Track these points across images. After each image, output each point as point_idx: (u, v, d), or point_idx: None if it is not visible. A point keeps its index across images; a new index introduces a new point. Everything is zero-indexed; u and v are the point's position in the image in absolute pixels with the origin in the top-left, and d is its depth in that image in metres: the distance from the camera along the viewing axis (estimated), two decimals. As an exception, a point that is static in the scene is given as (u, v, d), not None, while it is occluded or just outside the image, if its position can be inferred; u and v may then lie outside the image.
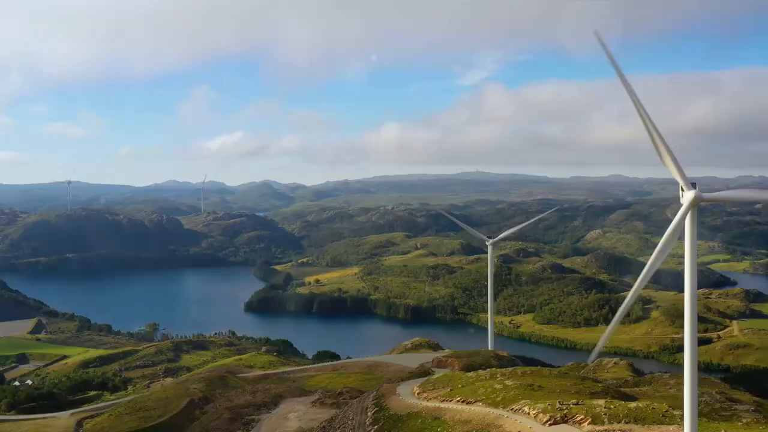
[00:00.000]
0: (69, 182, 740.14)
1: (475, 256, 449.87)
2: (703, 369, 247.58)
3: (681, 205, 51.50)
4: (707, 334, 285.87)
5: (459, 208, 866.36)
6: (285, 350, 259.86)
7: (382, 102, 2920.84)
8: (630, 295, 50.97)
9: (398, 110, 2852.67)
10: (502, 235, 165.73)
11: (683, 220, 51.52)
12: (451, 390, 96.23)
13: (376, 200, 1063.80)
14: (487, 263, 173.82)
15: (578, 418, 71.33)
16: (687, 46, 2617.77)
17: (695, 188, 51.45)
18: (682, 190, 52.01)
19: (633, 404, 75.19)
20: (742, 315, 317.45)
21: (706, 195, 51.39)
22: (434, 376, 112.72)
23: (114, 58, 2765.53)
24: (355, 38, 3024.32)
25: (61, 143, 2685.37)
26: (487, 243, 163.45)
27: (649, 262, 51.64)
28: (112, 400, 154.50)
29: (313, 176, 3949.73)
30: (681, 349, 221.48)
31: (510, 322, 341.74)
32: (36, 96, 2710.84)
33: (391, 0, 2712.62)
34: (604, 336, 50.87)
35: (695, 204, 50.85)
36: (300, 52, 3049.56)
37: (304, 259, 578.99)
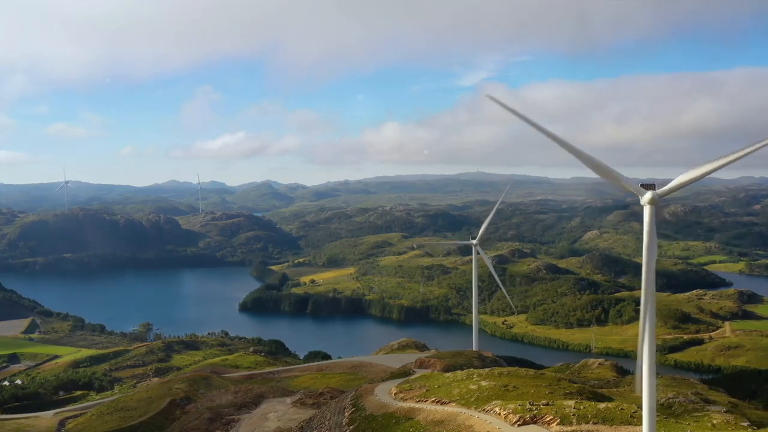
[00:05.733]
0: (67, 182, 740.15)
1: (471, 256, 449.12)
2: (694, 370, 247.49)
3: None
4: (699, 335, 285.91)
5: (458, 208, 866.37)
6: (277, 350, 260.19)
7: (383, 102, 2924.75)
8: (642, 304, 50.63)
9: (399, 110, 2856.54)
10: (480, 232, 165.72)
11: (653, 223, 52.62)
12: (427, 391, 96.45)
13: (376, 200, 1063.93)
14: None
15: (547, 419, 71.64)
16: (687, 47, 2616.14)
17: (652, 189, 52.89)
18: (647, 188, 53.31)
19: (602, 405, 75.35)
20: (734, 316, 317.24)
21: (660, 191, 52.66)
22: (412, 377, 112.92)
23: (117, 60, 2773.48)
24: (357, 39, 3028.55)
25: (62, 143, 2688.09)
26: (473, 244, 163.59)
27: (644, 267, 51.56)
28: (97, 399, 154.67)
29: (313, 176, 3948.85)
30: (673, 349, 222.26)
31: (503, 323, 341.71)
32: (38, 96, 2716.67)
33: (392, 1, 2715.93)
34: (639, 350, 50.48)
35: (654, 204, 52.08)
36: (302, 54, 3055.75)
37: (301, 260, 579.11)
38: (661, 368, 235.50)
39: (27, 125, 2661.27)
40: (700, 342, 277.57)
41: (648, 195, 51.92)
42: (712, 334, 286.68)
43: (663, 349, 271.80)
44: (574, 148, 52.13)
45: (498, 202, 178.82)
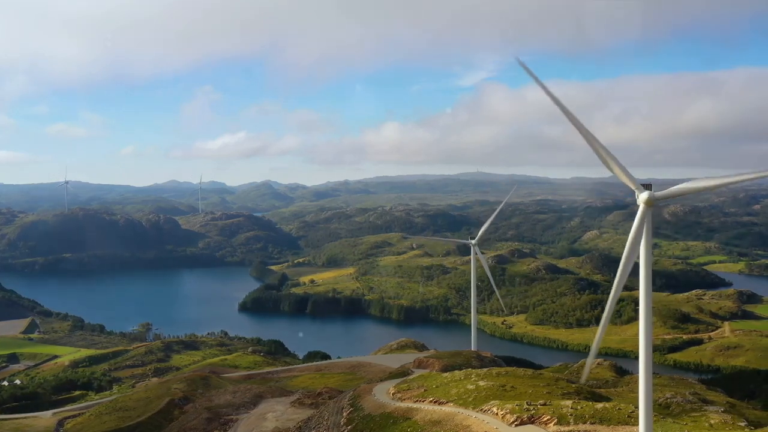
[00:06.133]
0: (66, 182, 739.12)
1: (470, 256, 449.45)
2: (694, 370, 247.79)
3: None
4: (698, 335, 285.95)
5: (458, 209, 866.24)
6: (276, 350, 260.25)
7: (383, 102, 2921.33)
8: (610, 300, 51.50)
9: (399, 110, 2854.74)
10: (479, 233, 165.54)
11: (643, 222, 52.76)
12: (425, 390, 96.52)
13: (376, 200, 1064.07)
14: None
15: (544, 419, 71.63)
16: (687, 47, 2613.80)
17: (649, 189, 52.86)
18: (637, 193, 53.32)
19: (600, 405, 75.35)
20: (734, 316, 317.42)
21: (658, 194, 52.72)
22: (411, 377, 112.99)
23: (118, 60, 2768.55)
24: (357, 39, 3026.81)
25: (62, 143, 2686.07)
26: (471, 244, 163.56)
27: (620, 266, 52.25)
28: (96, 399, 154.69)
29: (313, 176, 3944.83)
30: (672, 349, 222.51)
31: (502, 323, 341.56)
32: (38, 96, 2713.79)
33: (391, 2, 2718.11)
34: (596, 343, 51.41)
35: (650, 204, 51.98)
36: (302, 54, 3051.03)
37: (301, 260, 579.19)
38: (660, 368, 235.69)
39: (27, 125, 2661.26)
40: (700, 342, 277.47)
41: (645, 194, 51.86)
42: (711, 334, 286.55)
43: (662, 349, 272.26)
44: (586, 132, 51.35)
45: (502, 204, 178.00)
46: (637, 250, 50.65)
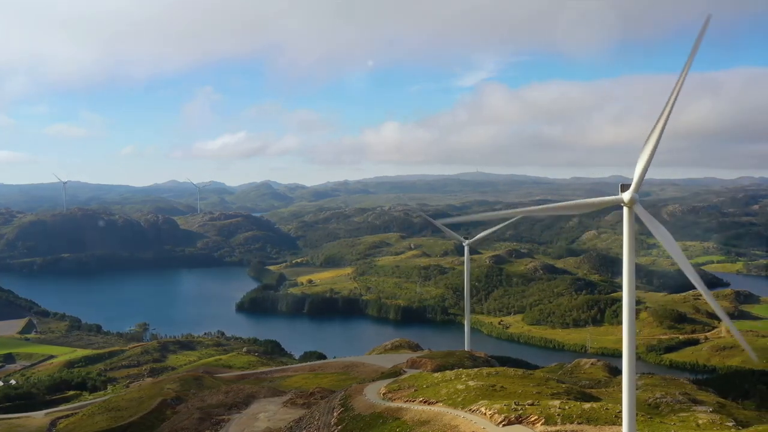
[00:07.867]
0: (65, 182, 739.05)
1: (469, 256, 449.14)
2: (690, 370, 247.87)
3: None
4: (695, 335, 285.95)
5: (457, 209, 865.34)
6: (272, 351, 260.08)
7: (383, 103, 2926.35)
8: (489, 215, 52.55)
9: (398, 111, 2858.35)
10: (478, 237, 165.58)
11: (601, 204, 53.10)
12: (415, 391, 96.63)
13: (375, 201, 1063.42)
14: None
15: (532, 419, 71.67)
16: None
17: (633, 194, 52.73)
18: (622, 189, 53.46)
19: (588, 405, 75.35)
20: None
21: (639, 208, 52.49)
22: (402, 377, 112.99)
23: (117, 61, 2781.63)
24: (356, 40, 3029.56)
25: (62, 143, 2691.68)
26: (463, 243, 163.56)
27: (544, 207, 53.23)
28: (90, 399, 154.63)
29: (312, 176, 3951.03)
30: (669, 349, 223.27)
31: (499, 323, 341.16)
32: (38, 96, 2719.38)
33: (391, 2, 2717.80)
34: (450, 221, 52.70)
35: (629, 205, 52.03)
36: (302, 54, 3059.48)
37: (299, 260, 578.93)
38: (655, 368, 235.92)
39: (27, 125, 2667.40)
40: (696, 342, 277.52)
41: (628, 194, 51.84)
42: (707, 334, 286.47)
43: (659, 349, 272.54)
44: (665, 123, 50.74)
45: (512, 219, 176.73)
46: (557, 210, 51.01)
